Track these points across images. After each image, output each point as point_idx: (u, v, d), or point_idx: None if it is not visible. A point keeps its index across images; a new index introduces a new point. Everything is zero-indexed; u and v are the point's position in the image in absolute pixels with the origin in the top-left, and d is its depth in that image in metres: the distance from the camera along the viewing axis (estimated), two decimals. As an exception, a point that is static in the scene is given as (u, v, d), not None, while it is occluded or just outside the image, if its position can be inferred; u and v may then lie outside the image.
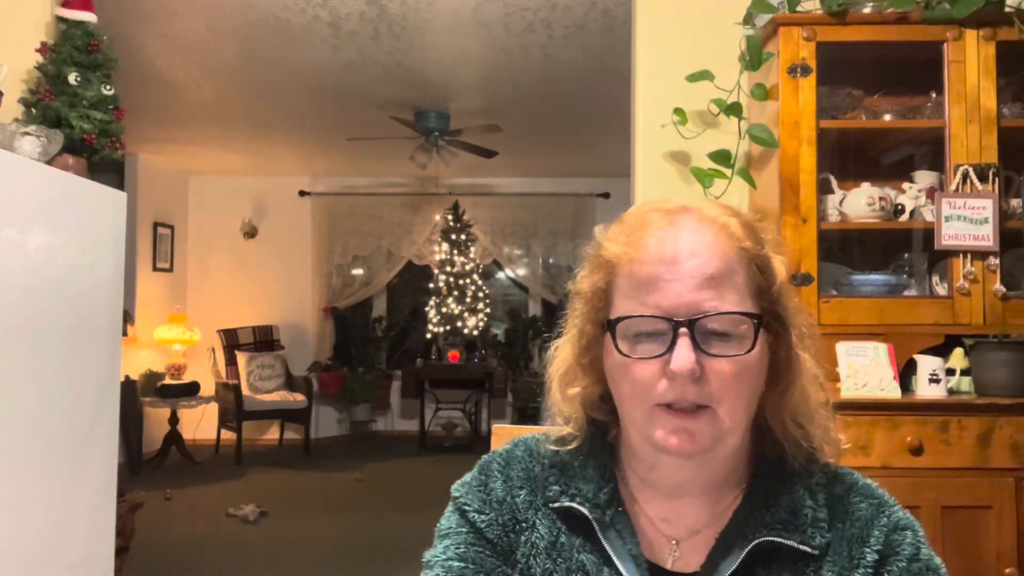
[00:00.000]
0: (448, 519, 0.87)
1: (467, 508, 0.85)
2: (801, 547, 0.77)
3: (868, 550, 0.77)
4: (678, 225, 0.77)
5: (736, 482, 0.82)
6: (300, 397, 6.73)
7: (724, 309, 0.74)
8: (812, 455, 0.82)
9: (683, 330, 0.73)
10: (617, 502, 0.82)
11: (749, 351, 0.75)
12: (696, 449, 0.75)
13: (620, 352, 0.77)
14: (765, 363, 0.78)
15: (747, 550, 0.77)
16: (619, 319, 0.77)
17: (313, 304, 7.42)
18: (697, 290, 0.74)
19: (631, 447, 0.83)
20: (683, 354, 0.73)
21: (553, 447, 0.87)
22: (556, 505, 0.83)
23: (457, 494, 0.88)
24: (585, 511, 0.81)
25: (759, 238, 0.80)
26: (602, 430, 0.87)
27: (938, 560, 0.79)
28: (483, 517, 0.84)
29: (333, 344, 7.53)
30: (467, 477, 0.89)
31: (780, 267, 0.80)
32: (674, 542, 0.82)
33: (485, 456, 0.92)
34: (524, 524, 0.84)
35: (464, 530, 0.84)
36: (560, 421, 0.87)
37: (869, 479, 0.85)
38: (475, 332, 7.03)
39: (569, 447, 0.86)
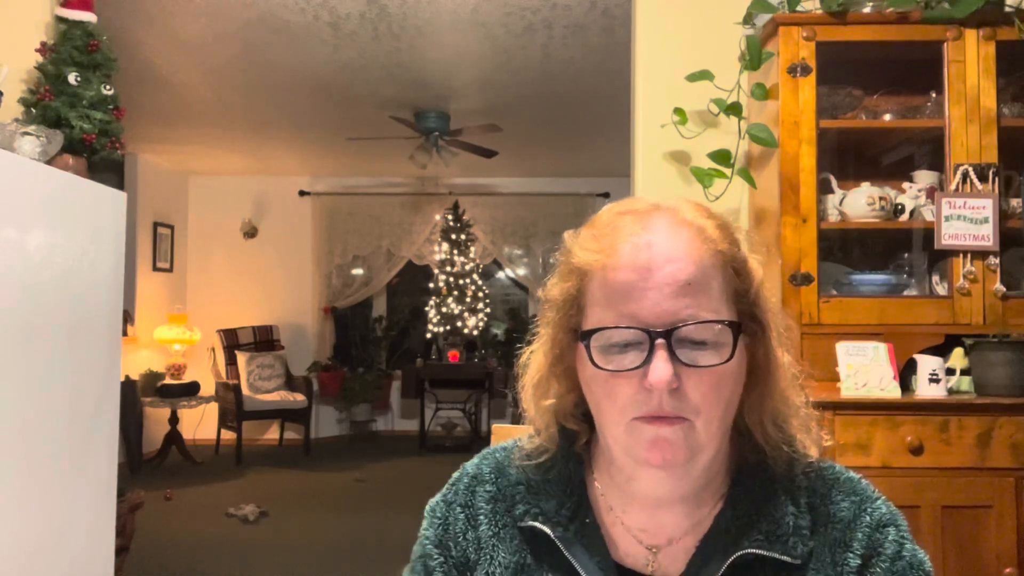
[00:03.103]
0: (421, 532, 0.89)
1: (426, 543, 0.86)
2: (783, 559, 0.75)
3: (851, 555, 0.76)
4: (652, 229, 0.74)
5: (716, 489, 0.80)
6: (300, 397, 6.72)
7: (702, 317, 0.71)
8: (793, 457, 0.81)
9: (660, 341, 0.71)
10: (584, 513, 0.81)
11: (728, 360, 0.72)
12: (674, 459, 0.73)
13: (595, 365, 0.74)
14: (743, 368, 0.76)
15: (728, 563, 0.75)
16: (593, 330, 0.74)
17: (313, 304, 7.42)
18: (673, 298, 0.71)
19: (610, 458, 0.81)
20: (660, 367, 0.70)
21: (522, 462, 0.85)
22: (522, 525, 0.82)
23: (423, 528, 0.88)
24: (547, 529, 0.79)
25: (735, 239, 0.77)
26: (569, 439, 0.85)
27: (922, 555, 0.78)
28: (436, 556, 0.85)
29: (333, 344, 7.53)
30: (434, 502, 0.89)
31: (757, 268, 0.78)
32: (652, 551, 0.80)
33: (455, 474, 0.90)
34: (482, 555, 0.83)
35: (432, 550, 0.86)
36: (532, 431, 0.86)
37: (853, 472, 0.83)
38: (475, 332, 7.03)
39: (538, 461, 0.84)
